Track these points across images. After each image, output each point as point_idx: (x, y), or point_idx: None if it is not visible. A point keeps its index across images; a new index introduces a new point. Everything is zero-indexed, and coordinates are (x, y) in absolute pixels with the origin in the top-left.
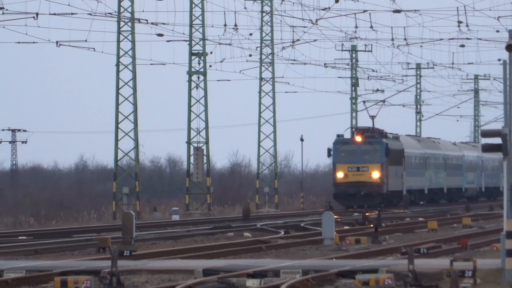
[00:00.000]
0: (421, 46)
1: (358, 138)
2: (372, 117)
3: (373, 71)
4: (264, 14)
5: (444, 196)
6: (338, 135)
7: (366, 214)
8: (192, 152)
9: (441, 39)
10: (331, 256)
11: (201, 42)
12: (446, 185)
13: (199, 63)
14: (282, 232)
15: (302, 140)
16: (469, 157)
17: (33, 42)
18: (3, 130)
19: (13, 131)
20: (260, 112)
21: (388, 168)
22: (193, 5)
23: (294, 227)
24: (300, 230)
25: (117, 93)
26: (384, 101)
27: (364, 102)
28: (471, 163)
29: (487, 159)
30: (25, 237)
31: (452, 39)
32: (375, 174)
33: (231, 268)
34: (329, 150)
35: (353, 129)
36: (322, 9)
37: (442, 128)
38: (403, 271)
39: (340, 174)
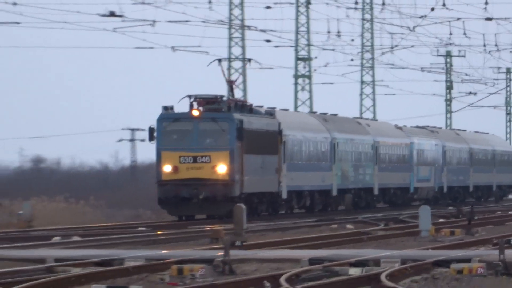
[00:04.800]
0: (511, 51)
1: (195, 112)
2: (231, 82)
3: (466, 75)
4: (365, 21)
5: (378, 198)
6: (165, 108)
7: (460, 208)
8: None
9: None
10: (428, 247)
11: (306, 48)
12: (378, 183)
13: (304, 67)
14: (382, 225)
15: None
16: (422, 146)
17: (150, 48)
18: (123, 129)
19: (133, 130)
20: (361, 113)
21: (244, 158)
22: (299, 13)
23: (392, 220)
24: (398, 223)
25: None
26: (250, 60)
27: (219, 60)
28: (426, 154)
29: (451, 149)
30: (144, 228)
31: None
32: (221, 168)
33: (335, 257)
34: (151, 130)
35: (191, 99)
36: (419, 17)
37: None
38: (494, 261)
39: (167, 168)
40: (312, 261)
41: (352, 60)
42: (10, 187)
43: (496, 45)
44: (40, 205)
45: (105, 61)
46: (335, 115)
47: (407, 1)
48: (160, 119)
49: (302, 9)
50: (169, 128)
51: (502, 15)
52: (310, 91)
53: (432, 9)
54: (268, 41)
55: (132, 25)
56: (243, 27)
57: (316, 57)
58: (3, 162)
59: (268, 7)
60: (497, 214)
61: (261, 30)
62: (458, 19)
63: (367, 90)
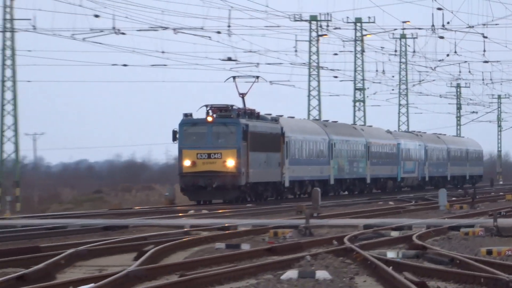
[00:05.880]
0: (501, 84)
1: (209, 118)
2: (242, 95)
3: (471, 100)
4: (401, 63)
5: (367, 185)
6: (186, 114)
7: (466, 190)
8: None
9: None
10: (444, 217)
11: (361, 81)
12: (370, 174)
13: (360, 95)
14: (413, 202)
15: None
16: (408, 146)
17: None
18: None
19: None
20: (399, 126)
21: (249, 155)
22: (357, 58)
23: (420, 198)
24: (424, 201)
25: (308, 115)
26: (258, 77)
27: (234, 78)
28: (411, 152)
29: (431, 148)
30: (250, 205)
31: None
32: (230, 162)
33: (381, 224)
34: (174, 132)
35: (207, 107)
36: (438, 60)
37: None
38: (490, 226)
39: (187, 162)
40: (366, 226)
41: (392, 90)
42: (160, 176)
43: (491, 79)
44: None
45: (225, 91)
46: (336, 121)
47: (430, 49)
48: (181, 124)
49: (359, 55)
50: (189, 131)
51: (496, 59)
52: (364, 111)
53: (447, 55)
54: (335, 77)
55: (242, 66)
56: (318, 67)
57: (368, 88)
58: (155, 160)
59: (335, 54)
60: (492, 195)
61: (331, 69)
62: (465, 61)
63: (403, 110)
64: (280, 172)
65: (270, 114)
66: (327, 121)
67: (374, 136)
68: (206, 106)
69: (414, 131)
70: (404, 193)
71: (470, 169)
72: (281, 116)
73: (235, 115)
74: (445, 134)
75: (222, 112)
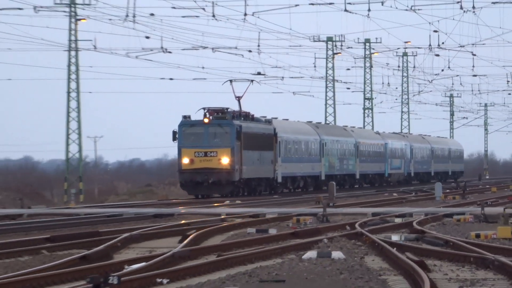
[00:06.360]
0: (487, 94)
1: (206, 120)
2: (238, 98)
3: (462, 107)
4: (403, 77)
5: (357, 180)
6: (185, 116)
7: (458, 184)
8: None
9: None
10: (440, 206)
11: (370, 92)
12: (359, 170)
13: (368, 103)
14: (413, 193)
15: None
16: (394, 145)
17: (280, 92)
18: None
19: None
20: (401, 129)
21: (243, 153)
22: (366, 72)
23: (419, 190)
24: (423, 192)
25: (325, 120)
26: (252, 81)
27: (231, 81)
28: (397, 151)
29: (416, 148)
30: (276, 196)
31: None
32: (225, 160)
33: (387, 212)
34: (174, 133)
35: (205, 110)
36: (434, 74)
37: None
38: (478, 214)
39: (185, 160)
40: (373, 214)
41: (396, 99)
42: None
43: (479, 90)
44: None
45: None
46: (328, 123)
47: (427, 65)
48: (181, 125)
49: (367, 70)
50: (187, 131)
51: (483, 73)
52: (372, 117)
53: (442, 70)
54: (348, 88)
55: (270, 79)
56: (333, 80)
57: (375, 97)
58: None
59: (348, 69)
60: (480, 188)
61: (344, 82)
62: (457, 75)
63: (405, 116)
64: (273, 169)
65: (265, 117)
66: (319, 123)
67: (363, 137)
68: (204, 108)
69: (401, 132)
70: (392, 187)
71: (452, 166)
72: (276, 118)
73: (229, 117)
74: (429, 135)
75: (218, 114)
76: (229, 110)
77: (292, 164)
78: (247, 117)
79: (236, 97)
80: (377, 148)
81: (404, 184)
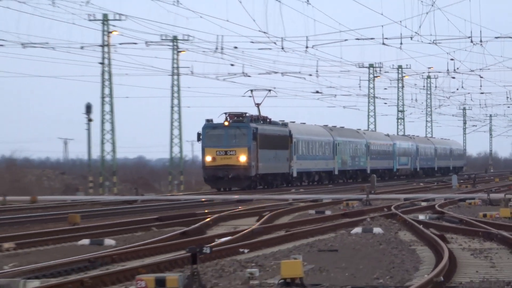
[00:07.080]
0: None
1: (226, 123)
2: (257, 105)
3: (472, 117)
4: (427, 94)
5: (368, 174)
6: (207, 120)
7: (470, 176)
8: None
9: None
10: (456, 193)
11: (401, 106)
12: (370, 166)
13: (401, 115)
14: (435, 183)
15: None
16: (402, 145)
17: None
18: None
19: None
20: (426, 134)
21: (259, 152)
22: (398, 91)
23: (440, 181)
24: (443, 182)
25: (368, 127)
26: (270, 90)
27: (251, 91)
28: (404, 150)
29: (422, 147)
30: (331, 186)
31: None
32: (242, 158)
33: (415, 197)
34: (198, 134)
35: (226, 114)
36: (451, 92)
37: None
38: (485, 199)
39: (208, 158)
40: (405, 199)
41: (422, 111)
42: None
43: (485, 104)
44: None
45: (312, 115)
46: (342, 127)
47: (446, 85)
48: (204, 127)
49: (400, 89)
50: (210, 133)
51: (488, 91)
52: (404, 126)
53: (457, 89)
54: (385, 103)
55: (326, 96)
56: (374, 97)
57: (406, 110)
58: None
59: (385, 88)
60: (486, 179)
61: (382, 98)
62: (468, 93)
63: (429, 124)
64: (289, 165)
65: (283, 121)
66: (334, 126)
67: (373, 138)
68: (225, 113)
69: (409, 134)
70: (399, 180)
71: (453, 162)
72: (293, 122)
73: (247, 120)
74: (434, 137)
75: (237, 118)
76: (247, 114)
77: (306, 161)
78: (265, 120)
79: (255, 104)
80: (386, 147)
81: (411, 177)
